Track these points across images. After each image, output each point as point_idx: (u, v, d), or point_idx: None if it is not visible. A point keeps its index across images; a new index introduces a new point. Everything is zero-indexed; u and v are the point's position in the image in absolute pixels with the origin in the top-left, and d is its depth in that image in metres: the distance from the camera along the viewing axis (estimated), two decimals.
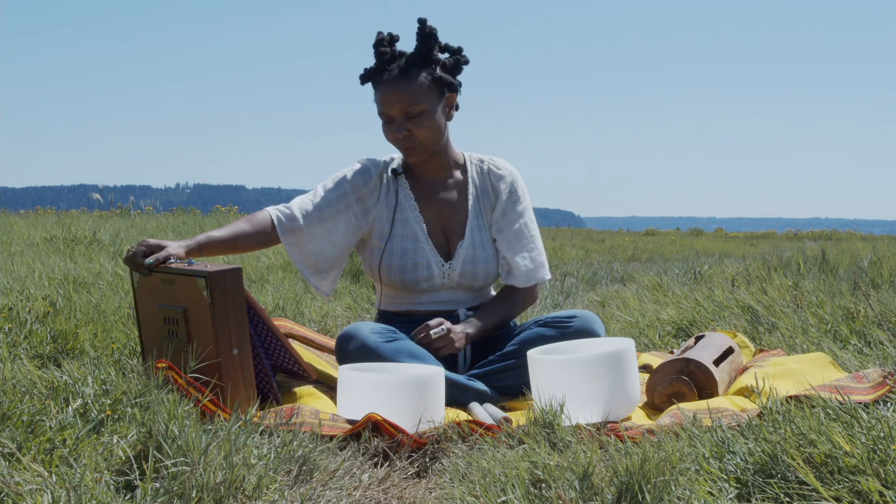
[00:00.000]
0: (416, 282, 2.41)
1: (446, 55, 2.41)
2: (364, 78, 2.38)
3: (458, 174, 2.49)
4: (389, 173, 2.47)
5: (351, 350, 2.20)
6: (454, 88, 2.38)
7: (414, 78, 2.32)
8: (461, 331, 2.32)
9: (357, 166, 2.46)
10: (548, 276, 2.50)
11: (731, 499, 1.40)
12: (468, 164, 2.51)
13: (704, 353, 2.26)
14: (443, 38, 2.38)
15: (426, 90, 2.33)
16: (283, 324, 2.73)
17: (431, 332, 2.27)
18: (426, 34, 2.35)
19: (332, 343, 2.69)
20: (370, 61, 2.37)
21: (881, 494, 1.30)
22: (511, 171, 2.51)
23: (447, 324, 2.30)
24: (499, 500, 1.45)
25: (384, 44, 2.35)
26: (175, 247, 2.14)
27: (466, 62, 2.42)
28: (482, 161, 2.51)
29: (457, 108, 2.45)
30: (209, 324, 1.92)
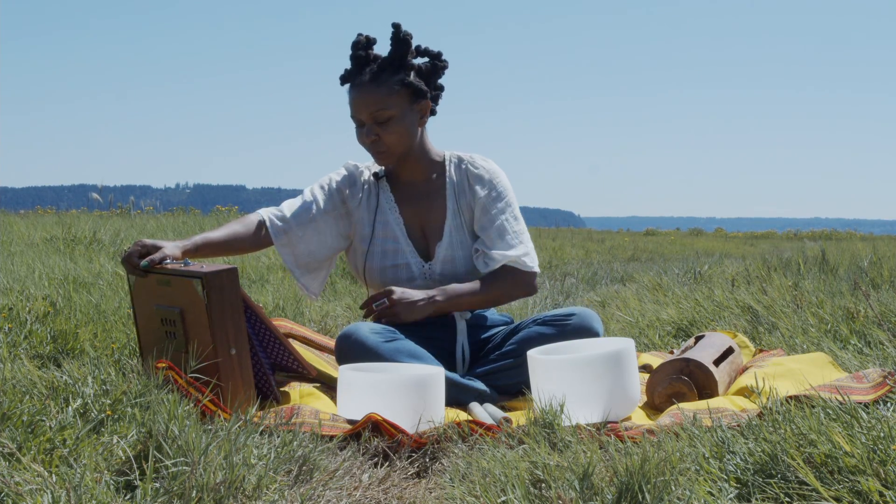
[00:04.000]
0: (398, 283, 2.41)
1: (424, 59, 2.41)
2: (342, 80, 2.39)
3: (436, 175, 2.48)
4: (371, 177, 2.49)
5: (350, 350, 2.20)
6: (425, 95, 2.37)
7: (384, 83, 2.32)
8: (421, 298, 2.31)
9: (342, 170, 2.51)
10: (532, 264, 2.41)
11: (731, 499, 1.40)
12: (447, 163, 2.48)
13: (704, 353, 2.26)
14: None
15: (396, 96, 2.32)
16: (282, 324, 2.73)
17: (374, 304, 2.31)
18: (400, 39, 2.34)
19: (331, 343, 2.69)
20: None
21: (881, 494, 1.30)
22: (490, 168, 2.47)
23: (398, 292, 2.31)
24: (499, 500, 1.45)
25: (360, 47, 2.35)
26: (171, 247, 2.14)
27: (445, 66, 2.42)
28: (461, 160, 2.47)
29: (433, 113, 2.44)
30: (206, 324, 1.92)
